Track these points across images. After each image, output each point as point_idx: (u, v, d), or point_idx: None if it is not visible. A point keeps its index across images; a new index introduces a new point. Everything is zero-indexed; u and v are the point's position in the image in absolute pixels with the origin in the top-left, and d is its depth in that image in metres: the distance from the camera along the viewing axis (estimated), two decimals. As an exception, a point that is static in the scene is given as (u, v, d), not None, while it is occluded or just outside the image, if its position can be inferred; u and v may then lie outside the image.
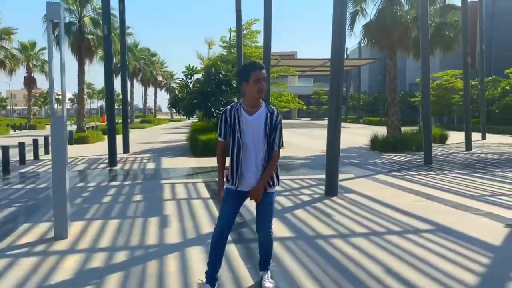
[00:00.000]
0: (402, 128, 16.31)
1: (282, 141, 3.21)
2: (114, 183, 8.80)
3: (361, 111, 49.18)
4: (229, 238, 3.53)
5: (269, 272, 3.43)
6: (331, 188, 7.38)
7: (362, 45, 15.43)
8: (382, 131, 17.04)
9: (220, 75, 15.84)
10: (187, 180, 9.09)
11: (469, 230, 5.03)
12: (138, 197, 7.29)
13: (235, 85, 16.12)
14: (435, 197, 7.06)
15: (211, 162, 12.00)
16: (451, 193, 7.36)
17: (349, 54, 58.81)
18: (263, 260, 3.43)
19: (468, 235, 4.85)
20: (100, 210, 6.32)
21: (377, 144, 15.11)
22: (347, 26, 16.23)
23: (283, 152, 3.80)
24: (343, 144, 18.59)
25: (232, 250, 4.39)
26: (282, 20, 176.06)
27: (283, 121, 4.79)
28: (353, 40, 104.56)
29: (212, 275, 3.23)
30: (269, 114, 3.10)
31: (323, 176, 8.07)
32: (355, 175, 9.53)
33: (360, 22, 17.75)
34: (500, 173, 9.71)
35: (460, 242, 4.61)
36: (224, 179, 3.24)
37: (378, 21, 15.37)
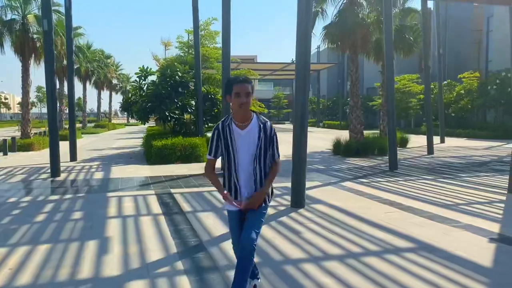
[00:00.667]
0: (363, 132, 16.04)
1: (278, 152, 3.14)
2: (52, 197, 7.74)
3: (320, 115, 49.41)
4: (181, 267, 3.28)
5: None
6: (298, 200, 6.73)
7: (322, 48, 14.84)
8: (343, 135, 16.69)
9: (177, 77, 14.91)
10: (137, 192, 8.16)
11: (454, 248, 4.50)
12: (77, 215, 6.32)
13: (192, 87, 15.24)
14: (408, 207, 6.55)
15: (166, 170, 11.09)
16: (423, 202, 6.89)
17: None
18: (244, 277, 2.95)
19: (454, 255, 4.30)
20: (29, 233, 5.33)
21: (340, 149, 14.71)
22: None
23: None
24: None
25: (183, 283, 3.61)
26: (241, 23, 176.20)
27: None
28: (312, 43, 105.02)
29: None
30: (261, 126, 3.03)
31: (288, 185, 7.43)
32: (320, 183, 8.95)
33: (320, 24, 17.35)
34: (467, 178, 9.43)
35: (447, 264, 4.04)
36: (224, 199, 3.07)
37: (339, 23, 15.01)
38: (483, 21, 33.48)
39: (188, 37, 23.60)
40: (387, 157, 11.69)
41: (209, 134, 3.27)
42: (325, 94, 57.33)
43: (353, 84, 14.93)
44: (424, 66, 14.98)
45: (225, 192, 3.02)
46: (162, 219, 5.96)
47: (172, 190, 8.19)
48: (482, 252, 4.37)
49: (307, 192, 7.36)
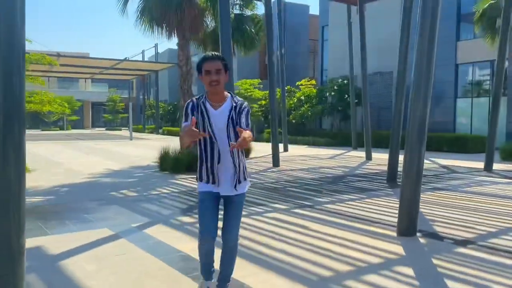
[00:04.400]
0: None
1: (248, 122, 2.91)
2: None
3: (160, 120, 45.33)
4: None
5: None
6: None
7: (141, 28, 11.02)
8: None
9: None
10: None
11: None
12: None
13: None
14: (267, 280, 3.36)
15: None
16: (287, 276, 3.80)
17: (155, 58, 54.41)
18: (223, 274, 3.09)
19: None
20: None
21: (167, 163, 11.19)
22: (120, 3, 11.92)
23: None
24: (129, 162, 14.49)
25: None
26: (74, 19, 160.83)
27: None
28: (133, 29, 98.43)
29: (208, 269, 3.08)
30: (233, 105, 2.91)
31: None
32: (112, 233, 5.22)
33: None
34: (329, 206, 6.85)
35: None
36: (197, 180, 3.01)
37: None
38: (318, 30, 34.06)
39: None
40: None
41: None
42: (167, 98, 53.44)
43: (183, 80, 11.60)
44: (268, 62, 12.52)
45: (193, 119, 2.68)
46: None
47: None
48: None
49: (76, 258, 3.61)
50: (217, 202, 2.97)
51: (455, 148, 18.35)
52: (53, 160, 14.19)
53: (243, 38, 14.33)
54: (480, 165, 12.48)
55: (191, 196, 7.72)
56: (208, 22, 12.90)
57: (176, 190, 8.33)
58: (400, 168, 9.93)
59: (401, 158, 10.14)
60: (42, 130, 51.10)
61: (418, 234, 5.05)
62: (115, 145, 23.33)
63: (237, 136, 2.81)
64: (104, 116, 59.38)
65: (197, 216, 5.88)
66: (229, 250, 3.02)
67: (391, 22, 23.15)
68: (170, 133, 38.25)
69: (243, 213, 3.09)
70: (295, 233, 5.11)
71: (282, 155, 16.60)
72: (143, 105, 49.70)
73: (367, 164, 13.60)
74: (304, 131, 26.98)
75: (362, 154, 15.96)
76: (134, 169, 11.92)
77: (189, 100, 2.94)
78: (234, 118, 2.87)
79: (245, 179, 3.01)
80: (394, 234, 5.08)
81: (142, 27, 11.07)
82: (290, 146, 20.84)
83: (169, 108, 47.67)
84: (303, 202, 7.04)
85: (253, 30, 14.62)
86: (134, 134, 40.34)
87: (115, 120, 58.08)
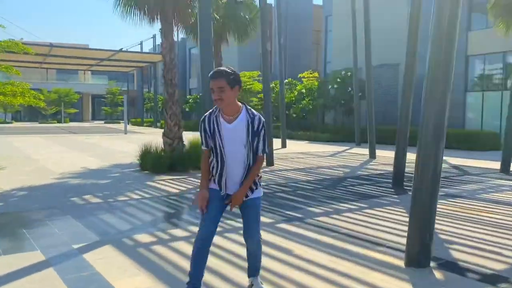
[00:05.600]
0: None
1: (267, 146, 3.02)
2: None
3: (159, 113, 44.25)
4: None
5: (259, 278, 3.23)
6: None
7: (119, 12, 9.84)
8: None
9: None
10: None
11: None
12: None
13: None
14: None
15: None
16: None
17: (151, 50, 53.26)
18: (252, 267, 3.21)
19: None
20: None
21: (148, 162, 10.10)
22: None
23: None
24: (111, 160, 13.25)
25: None
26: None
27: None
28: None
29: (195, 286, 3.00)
30: (250, 120, 2.93)
31: None
32: (42, 258, 4.13)
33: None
34: (322, 218, 5.72)
35: None
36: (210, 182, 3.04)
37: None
38: (321, 20, 32.73)
39: None
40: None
41: None
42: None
43: (166, 70, 10.44)
44: (262, 50, 11.35)
45: (201, 192, 2.96)
46: None
47: None
48: None
49: None
50: (223, 203, 3.02)
51: (465, 145, 17.13)
52: (30, 157, 13.14)
53: (235, 25, 13.16)
54: (495, 165, 11.32)
55: (164, 204, 6.63)
56: (197, 6, 11.71)
57: (148, 196, 7.23)
58: (407, 169, 8.87)
59: (409, 157, 9.10)
60: (40, 123, 50.17)
61: (432, 264, 3.93)
62: (106, 139, 22.28)
63: (254, 157, 2.98)
64: (103, 109, 58.38)
65: (159, 234, 4.69)
66: (253, 250, 3.15)
67: (398, 9, 21.85)
68: (168, 127, 37.21)
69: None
70: (273, 260, 4.00)
71: (279, 152, 15.55)
72: (142, 97, 48.68)
73: (371, 163, 12.45)
74: (306, 126, 25.80)
75: (365, 151, 14.80)
76: (113, 168, 10.84)
77: (204, 116, 2.98)
78: (254, 136, 2.92)
79: (256, 188, 3.06)
80: (401, 263, 3.96)
81: (120, 9, 9.89)
82: (289, 142, 19.71)
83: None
84: (292, 214, 5.92)
85: (247, 17, 13.43)
86: (132, 127, 39.40)
87: (114, 113, 57.07)
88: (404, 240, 4.20)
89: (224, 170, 2.95)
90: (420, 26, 8.33)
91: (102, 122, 55.81)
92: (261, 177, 3.11)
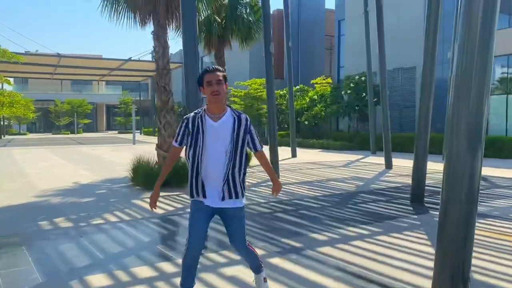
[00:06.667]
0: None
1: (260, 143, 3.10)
2: None
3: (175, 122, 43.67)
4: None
5: (263, 273, 3.22)
6: None
7: (107, 13, 9.00)
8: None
9: None
10: None
11: None
12: None
13: None
14: None
15: None
16: None
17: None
18: (252, 267, 3.22)
19: None
20: None
21: (139, 176, 9.21)
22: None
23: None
24: (106, 173, 11.96)
25: None
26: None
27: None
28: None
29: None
30: (236, 118, 2.95)
31: None
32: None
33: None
34: (326, 249, 4.69)
35: None
36: (189, 195, 3.01)
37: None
38: (334, 25, 31.72)
39: None
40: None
41: None
42: (181, 101, 51.86)
43: (159, 76, 9.58)
44: (264, 52, 10.41)
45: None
46: None
47: None
48: None
49: None
50: (208, 214, 2.94)
51: (489, 153, 15.80)
52: (21, 171, 12.40)
53: (237, 27, 12.26)
54: (527, 175, 10.12)
55: (141, 230, 5.70)
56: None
57: (128, 218, 6.31)
58: (428, 181, 7.77)
59: (429, 166, 8.02)
60: (53, 134, 50.17)
61: (468, 324, 2.89)
62: (111, 150, 21.61)
63: (241, 154, 2.94)
64: (116, 119, 58.25)
65: (119, 274, 3.73)
66: (244, 254, 3.14)
67: (414, 10, 20.72)
68: (179, 136, 36.52)
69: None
70: (254, 318, 3.02)
71: (287, 162, 14.55)
72: (154, 107, 48.29)
73: (387, 174, 11.34)
74: (318, 133, 24.74)
75: (381, 160, 13.67)
76: (104, 183, 9.98)
77: (187, 115, 2.98)
78: (240, 135, 2.93)
79: (237, 197, 2.95)
80: (426, 322, 2.93)
81: (107, 10, 9.08)
82: (300, 150, 18.67)
83: (179, 110, 46.02)
84: (289, 243, 4.90)
85: (250, 18, 12.53)
86: (144, 137, 38.92)
87: (128, 123, 56.80)
88: (428, 283, 3.17)
89: (201, 171, 2.90)
90: (438, 26, 7.31)
91: (116, 132, 55.62)
92: (249, 186, 2.65)
